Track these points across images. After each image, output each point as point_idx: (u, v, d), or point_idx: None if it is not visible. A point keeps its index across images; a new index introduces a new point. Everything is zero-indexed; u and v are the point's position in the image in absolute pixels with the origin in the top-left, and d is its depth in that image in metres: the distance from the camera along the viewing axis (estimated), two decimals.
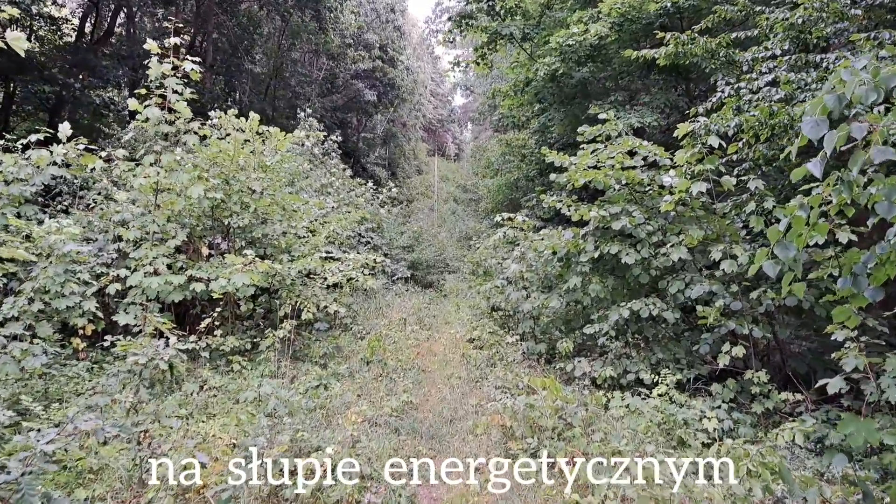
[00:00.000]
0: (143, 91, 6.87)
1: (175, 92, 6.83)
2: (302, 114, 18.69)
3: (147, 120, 6.68)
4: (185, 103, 6.87)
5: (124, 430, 3.30)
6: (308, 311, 7.82)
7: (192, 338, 6.39)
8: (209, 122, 8.83)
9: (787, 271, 3.37)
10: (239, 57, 29.09)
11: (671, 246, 6.49)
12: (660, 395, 6.22)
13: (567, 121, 15.05)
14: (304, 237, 9.51)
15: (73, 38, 22.32)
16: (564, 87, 13.58)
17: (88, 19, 22.56)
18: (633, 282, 7.12)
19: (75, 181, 12.90)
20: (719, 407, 5.99)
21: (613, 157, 7.14)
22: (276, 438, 4.60)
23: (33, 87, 19.50)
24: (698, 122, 6.35)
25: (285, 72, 31.98)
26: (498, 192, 25.71)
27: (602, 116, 7.81)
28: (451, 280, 20.36)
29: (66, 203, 10.83)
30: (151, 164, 6.62)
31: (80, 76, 20.34)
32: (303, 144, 16.49)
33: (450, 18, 15.91)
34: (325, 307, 8.08)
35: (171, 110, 6.83)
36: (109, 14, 23.34)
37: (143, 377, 4.30)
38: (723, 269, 6.02)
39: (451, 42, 16.12)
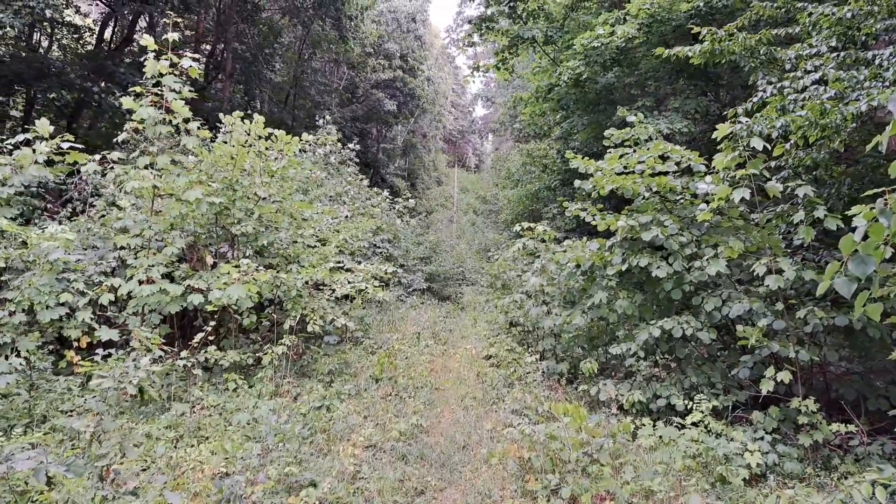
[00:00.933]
0: (139, 89, 6.49)
1: (173, 90, 6.44)
2: (321, 120, 18.35)
3: (143, 120, 6.30)
4: (184, 102, 6.48)
5: (74, 468, 2.83)
6: (314, 324, 7.35)
7: (185, 353, 5.95)
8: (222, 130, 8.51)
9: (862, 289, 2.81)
10: (259, 66, 29.03)
11: (708, 259, 5.89)
12: (694, 424, 5.62)
13: (590, 128, 14.50)
14: (314, 246, 9.06)
15: (93, 46, 22.40)
16: (588, 92, 13.05)
17: (108, 26, 22.58)
18: (663, 298, 6.53)
19: (87, 187, 12.69)
20: (762, 438, 5.36)
21: (644, 162, 6.58)
22: (264, 471, 4.10)
23: (51, 94, 19.49)
24: (740, 122, 5.77)
25: (305, 81, 31.87)
26: (518, 202, 25.19)
27: (630, 119, 7.26)
28: (469, 292, 19.83)
29: (78, 209, 10.51)
30: (146, 167, 6.22)
31: (101, 82, 20.28)
32: (313, 151, 16.12)
33: (469, 21, 15.48)
34: (333, 320, 7.60)
35: (169, 110, 6.44)
36: (129, 21, 23.39)
37: (110, 402, 3.81)
38: (767, 285, 5.41)
39: (470, 45, 15.66)
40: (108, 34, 23.21)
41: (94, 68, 19.93)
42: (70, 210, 12.48)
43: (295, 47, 31.87)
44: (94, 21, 24.73)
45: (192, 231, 8.42)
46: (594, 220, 7.47)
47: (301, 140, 7.85)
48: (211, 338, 8.66)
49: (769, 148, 5.45)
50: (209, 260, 8.24)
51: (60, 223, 10.26)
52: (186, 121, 6.51)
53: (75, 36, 24.26)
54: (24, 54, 19.60)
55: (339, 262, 10.07)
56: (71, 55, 22.84)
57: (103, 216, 8.60)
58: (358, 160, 24.05)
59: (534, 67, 14.52)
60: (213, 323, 6.57)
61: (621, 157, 6.82)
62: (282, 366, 7.33)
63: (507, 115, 38.65)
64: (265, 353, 6.80)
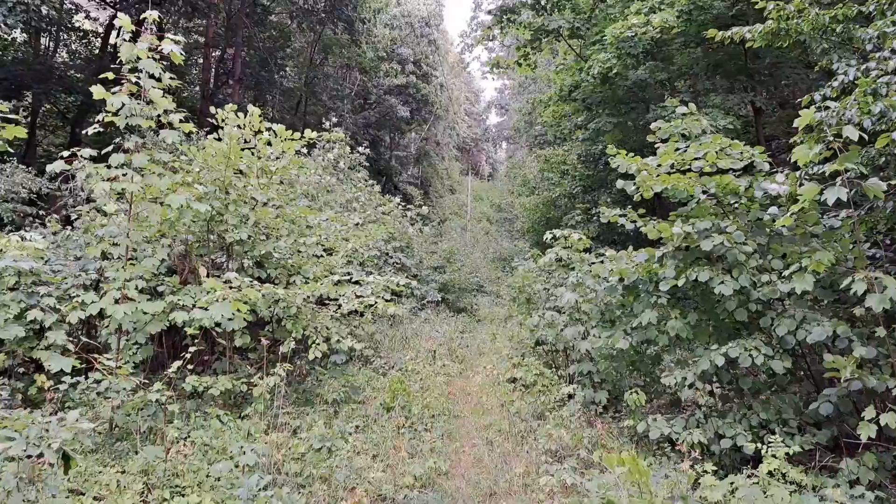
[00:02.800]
0: (110, 76, 5.62)
1: (152, 77, 5.57)
2: (327, 123, 17.51)
3: (118, 113, 5.43)
4: (162, 92, 5.60)
5: None
6: (317, 347, 6.43)
7: (158, 385, 5.05)
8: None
9: None
10: (269, 70, 28.36)
11: (792, 273, 4.87)
12: (770, 474, 4.61)
13: (618, 130, 13.53)
14: (319, 256, 8.17)
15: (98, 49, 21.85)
16: (618, 89, 12.08)
17: (113, 29, 21.97)
18: (726, 318, 5.54)
19: (81, 192, 11.90)
20: (861, 496, 4.35)
21: (703, 158, 5.59)
22: None
23: (53, 97, 18.90)
24: (828, 107, 4.79)
25: (317, 87, 31.14)
26: (534, 210, 24.26)
27: (681, 110, 6.29)
28: (484, 304, 18.84)
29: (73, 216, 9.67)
30: (120, 166, 5.35)
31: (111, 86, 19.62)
32: (322, 156, 15.27)
33: (489, 12, 14.56)
34: (339, 341, 6.68)
35: (150, 102, 5.56)
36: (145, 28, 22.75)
37: (19, 474, 2.87)
38: (867, 307, 4.41)
39: (490, 39, 14.74)
40: (114, 38, 22.56)
41: (98, 71, 19.25)
42: (64, 217, 11.72)
43: (307, 52, 31.17)
44: (100, 24, 24.19)
45: (184, 239, 7.57)
46: (636, 225, 6.52)
47: (303, 137, 6.94)
48: (205, 358, 7.82)
49: (865, 138, 4.47)
50: (202, 271, 7.37)
51: (45, 228, 9.48)
52: (167, 113, 5.63)
53: (84, 40, 23.77)
54: (24, 58, 19.08)
55: (347, 274, 9.18)
56: (79, 59, 22.31)
57: (86, 222, 7.79)
58: (370, 167, 23.21)
59: (557, 64, 13.60)
60: (195, 345, 5.63)
61: (677, 150, 5.82)
62: (280, 393, 6.41)
63: (521, 121, 37.79)
64: (255, 385, 5.87)
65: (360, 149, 18.96)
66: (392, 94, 37.57)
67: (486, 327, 14.79)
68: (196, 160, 6.57)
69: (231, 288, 5.22)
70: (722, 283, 5.21)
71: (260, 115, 6.52)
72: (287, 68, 30.04)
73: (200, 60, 26.33)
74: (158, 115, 5.72)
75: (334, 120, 18.86)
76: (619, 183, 6.32)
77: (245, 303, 6.07)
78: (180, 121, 5.65)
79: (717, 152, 5.65)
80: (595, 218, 16.22)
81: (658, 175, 5.93)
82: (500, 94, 71.38)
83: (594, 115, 13.42)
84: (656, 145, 6.15)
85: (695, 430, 5.26)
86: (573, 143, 20.59)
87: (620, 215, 6.73)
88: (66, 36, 22.62)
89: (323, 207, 12.97)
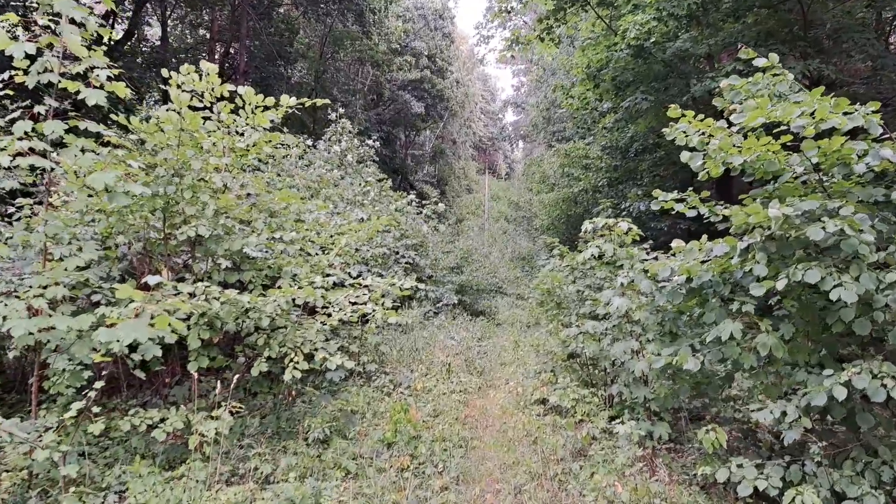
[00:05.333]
0: (12, 17, 4.31)
1: (73, 23, 4.25)
2: (334, 114, 16.20)
3: (28, 70, 4.12)
4: (89, 44, 4.29)
5: None
6: (294, 366, 5.07)
7: (50, 437, 3.71)
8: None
9: None
10: (277, 64, 27.21)
11: None
12: None
13: (653, 113, 12.02)
14: (311, 255, 6.82)
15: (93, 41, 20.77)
16: (654, 64, 10.59)
17: (117, 21, 20.93)
18: (840, 331, 4.08)
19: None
20: None
21: (810, 115, 4.13)
22: None
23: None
24: None
25: (327, 81, 29.91)
26: (554, 207, 22.81)
27: (760, 63, 4.85)
28: (504, 305, 17.38)
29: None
30: (26, 135, 4.03)
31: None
32: (327, 148, 13.97)
33: None
34: (326, 358, 5.31)
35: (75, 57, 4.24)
36: (146, 16, 21.82)
37: None
38: None
39: (509, 11, 13.32)
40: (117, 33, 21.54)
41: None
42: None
43: (316, 46, 29.95)
44: (97, 15, 23.18)
45: (144, 236, 6.28)
46: (700, 213, 5.09)
47: (279, 105, 5.56)
48: (166, 380, 6.51)
49: None
50: (165, 274, 6.09)
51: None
52: (93, 70, 4.31)
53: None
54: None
55: (348, 275, 7.85)
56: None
57: (28, 215, 6.52)
58: (385, 165, 21.94)
59: (584, 40, 12.16)
60: (100, 382, 4.28)
61: (772, 109, 4.34)
62: (248, 428, 5.08)
63: (539, 117, 36.34)
64: (191, 434, 4.52)
65: (370, 141, 17.62)
66: (406, 89, 36.30)
67: (507, 332, 13.36)
68: (149, 138, 5.25)
69: (156, 299, 3.85)
70: (840, 284, 3.75)
71: (219, 75, 5.16)
72: (296, 62, 28.84)
73: (203, 56, 25.35)
74: (84, 74, 4.41)
75: (342, 111, 17.56)
76: (685, 156, 4.87)
77: (203, 315, 4.75)
78: (110, 78, 4.32)
79: (810, 113, 4.19)
80: (624, 213, 14.74)
81: (741, 144, 4.48)
82: (516, 91, 69.92)
83: (625, 97, 11.93)
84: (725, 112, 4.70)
85: (807, 486, 3.81)
86: (598, 132, 19.12)
87: (677, 200, 5.30)
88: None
89: (326, 202, 11.67)
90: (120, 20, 22.64)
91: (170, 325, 3.50)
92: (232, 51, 26.35)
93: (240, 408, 4.77)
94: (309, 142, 15.22)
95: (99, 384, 4.09)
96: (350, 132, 17.09)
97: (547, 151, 32.71)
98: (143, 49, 24.26)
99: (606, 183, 18.85)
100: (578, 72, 12.29)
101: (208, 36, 27.18)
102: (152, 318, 3.46)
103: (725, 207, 5.11)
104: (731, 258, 4.46)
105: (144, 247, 6.45)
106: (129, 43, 20.15)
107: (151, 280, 4.02)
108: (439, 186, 44.47)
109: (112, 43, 20.09)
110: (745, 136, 4.63)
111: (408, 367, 8.96)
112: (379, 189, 15.33)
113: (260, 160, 13.53)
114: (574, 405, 5.93)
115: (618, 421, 5.44)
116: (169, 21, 26.78)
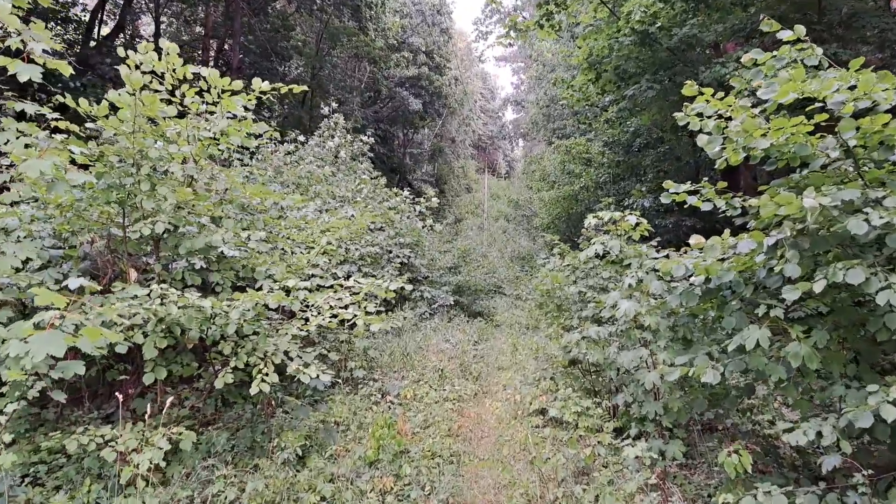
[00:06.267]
0: None
1: None
2: (326, 108, 15.65)
3: None
4: (23, 12, 3.74)
5: None
6: (262, 377, 4.52)
7: None
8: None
9: None
10: (271, 60, 26.64)
11: None
12: None
13: (657, 106, 11.46)
14: (290, 253, 6.28)
15: (81, 37, 20.22)
16: (659, 51, 10.03)
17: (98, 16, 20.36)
18: (884, 340, 3.54)
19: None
20: None
21: (836, 94, 3.58)
22: None
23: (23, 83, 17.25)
24: None
25: (323, 78, 29.35)
26: (555, 205, 22.27)
27: (785, 35, 4.31)
28: (503, 306, 16.82)
29: None
30: None
31: (86, 74, 17.98)
32: (283, 116, 13.40)
33: None
34: (300, 369, 4.77)
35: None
36: (139, 12, 21.28)
37: None
38: None
39: None
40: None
41: (77, 59, 17.61)
42: None
43: (312, 42, 29.37)
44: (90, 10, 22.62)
45: (107, 233, 5.76)
46: (716, 207, 4.56)
47: (250, 89, 5.02)
48: (129, 391, 5.97)
49: None
50: (132, 275, 5.56)
51: None
52: (24, 42, 3.76)
53: (74, 26, 22.23)
54: None
55: (332, 276, 7.31)
56: (64, 47, 20.77)
57: None
58: (380, 162, 21.37)
59: (585, 27, 11.62)
60: (15, 399, 3.74)
61: (806, 80, 3.78)
62: (216, 445, 4.55)
63: (539, 114, 35.76)
64: (126, 465, 3.98)
65: (364, 137, 17.06)
66: (403, 86, 35.73)
67: (506, 334, 12.83)
68: (101, 122, 4.70)
69: (79, 305, 3.31)
70: (888, 286, 3.21)
71: (180, 55, 4.60)
72: (292, 58, 28.28)
73: (198, 53, 24.77)
74: (18, 50, 3.86)
75: (335, 105, 17.02)
76: (702, 140, 4.32)
77: (161, 321, 4.22)
78: (45, 52, 3.77)
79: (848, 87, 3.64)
80: (627, 210, 14.17)
81: (758, 128, 3.93)
82: (516, 89, 69.37)
83: (629, 87, 11.38)
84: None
85: None
86: (599, 127, 18.58)
87: (690, 191, 4.75)
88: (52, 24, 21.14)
89: (314, 199, 11.13)
90: (111, 16, 22.16)
91: (98, 336, 2.95)
92: (227, 47, 25.80)
93: (161, 445, 4.19)
94: (301, 137, 14.71)
95: (12, 406, 3.53)
96: (344, 128, 16.56)
97: (547, 148, 32.20)
98: (137, 45, 23.70)
99: (609, 179, 18.31)
100: (579, 60, 11.75)
101: (203, 32, 26.65)
102: (77, 328, 2.92)
103: (744, 199, 4.58)
104: (756, 256, 3.91)
105: (108, 245, 5.93)
106: (119, 37, 19.57)
107: (72, 284, 3.47)
108: (438, 185, 43.97)
109: (101, 38, 19.56)
110: (768, 120, 4.09)
111: (399, 373, 8.43)
112: (373, 186, 14.77)
113: (246, 151, 13.03)
114: (576, 419, 5.37)
115: (625, 437, 4.90)
116: (163, 17, 26.30)
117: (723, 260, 4.15)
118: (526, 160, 44.87)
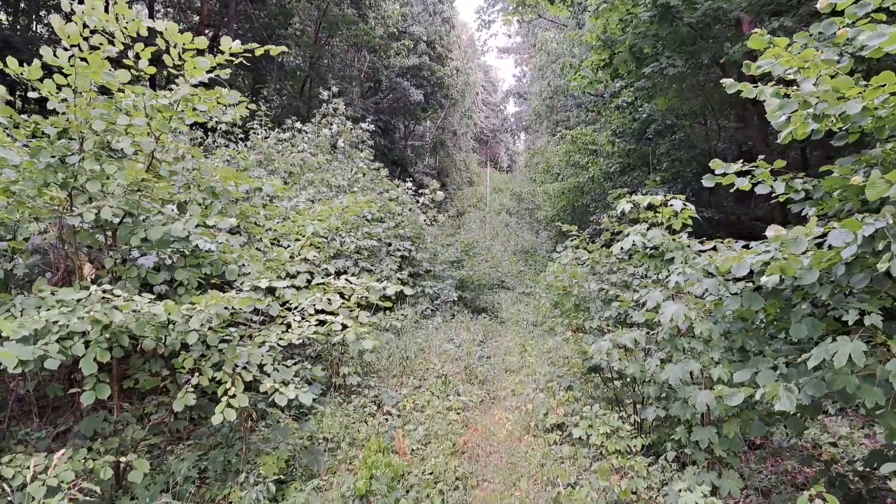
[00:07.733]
0: None
1: None
2: (326, 93, 14.81)
3: None
4: None
5: None
6: (229, 399, 3.74)
7: None
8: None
9: None
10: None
11: None
12: None
13: (677, 84, 10.61)
14: (269, 247, 5.48)
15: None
16: (680, 27, 9.19)
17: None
18: None
19: None
20: None
21: None
22: None
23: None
24: None
25: (322, 67, 28.48)
26: (559, 197, 21.49)
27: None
28: (507, 301, 15.99)
29: None
30: None
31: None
32: (282, 106, 12.60)
33: None
34: (276, 388, 3.99)
35: None
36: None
37: None
38: None
39: None
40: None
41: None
42: None
43: (311, 31, 28.48)
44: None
45: (59, 222, 4.97)
46: (773, 191, 3.77)
47: (217, 50, 4.22)
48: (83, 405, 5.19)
49: None
50: (87, 270, 4.80)
51: None
52: None
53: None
54: None
55: (323, 272, 6.53)
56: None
57: None
58: (381, 154, 20.55)
59: (598, 4, 10.74)
60: None
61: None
62: (180, 471, 3.77)
63: (542, 106, 34.88)
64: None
65: (364, 125, 16.21)
66: (404, 76, 34.82)
67: (512, 331, 12.05)
68: (41, 89, 3.91)
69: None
70: None
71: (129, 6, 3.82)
72: (290, 47, 27.40)
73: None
74: None
75: (335, 90, 16.19)
76: (771, 104, 3.51)
77: (107, 328, 3.44)
78: None
79: None
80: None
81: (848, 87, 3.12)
82: (518, 81, 68.37)
83: (655, 59, 10.49)
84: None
85: None
86: (609, 115, 17.74)
87: (740, 173, 3.95)
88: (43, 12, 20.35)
89: (307, 187, 10.33)
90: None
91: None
92: (222, 36, 24.99)
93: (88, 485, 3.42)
94: (299, 124, 13.92)
95: None
96: (343, 115, 15.74)
97: (551, 139, 31.38)
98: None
99: (618, 169, 17.48)
100: (591, 38, 10.90)
101: (198, 20, 25.83)
102: None
103: (806, 181, 3.79)
104: (843, 250, 3.11)
105: (60, 236, 5.14)
106: None
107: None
108: (440, 178, 43.16)
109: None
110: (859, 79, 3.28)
111: (398, 379, 7.65)
112: (372, 176, 13.96)
113: (232, 136, 12.22)
114: (604, 440, 4.57)
115: (658, 457, 4.10)
116: (157, 4, 25.48)
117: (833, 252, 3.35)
118: (528, 153, 43.96)
